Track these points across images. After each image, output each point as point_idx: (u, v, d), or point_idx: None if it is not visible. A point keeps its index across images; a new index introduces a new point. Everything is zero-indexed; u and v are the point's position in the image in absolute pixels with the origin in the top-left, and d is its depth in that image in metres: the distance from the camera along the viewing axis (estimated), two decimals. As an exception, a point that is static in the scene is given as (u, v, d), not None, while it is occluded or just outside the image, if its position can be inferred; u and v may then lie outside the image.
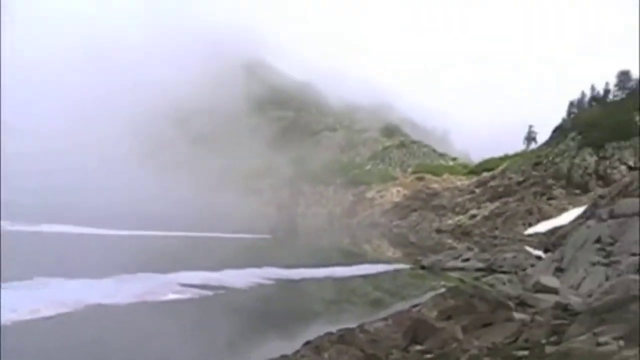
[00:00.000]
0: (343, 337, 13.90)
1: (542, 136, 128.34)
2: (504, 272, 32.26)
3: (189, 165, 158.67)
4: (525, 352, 11.91)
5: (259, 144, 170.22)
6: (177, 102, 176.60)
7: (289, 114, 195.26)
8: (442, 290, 23.29)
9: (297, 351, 13.69)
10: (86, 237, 47.81)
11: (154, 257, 37.96)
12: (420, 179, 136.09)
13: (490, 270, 36.53)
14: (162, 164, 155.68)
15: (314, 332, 15.41)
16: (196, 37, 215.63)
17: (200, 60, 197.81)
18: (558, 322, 13.55)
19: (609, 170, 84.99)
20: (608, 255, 23.10)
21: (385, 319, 15.35)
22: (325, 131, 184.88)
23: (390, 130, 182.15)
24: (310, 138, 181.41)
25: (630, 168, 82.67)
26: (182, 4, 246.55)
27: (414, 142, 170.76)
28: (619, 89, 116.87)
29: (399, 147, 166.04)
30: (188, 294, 22.98)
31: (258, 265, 31.86)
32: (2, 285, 19.63)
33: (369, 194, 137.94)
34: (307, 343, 14.03)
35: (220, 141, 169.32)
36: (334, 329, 14.44)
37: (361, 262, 39.85)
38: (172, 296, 22.23)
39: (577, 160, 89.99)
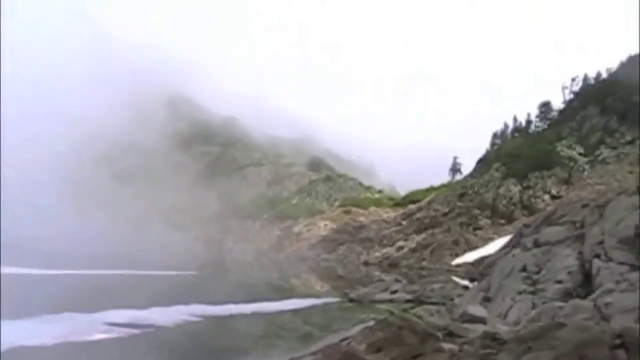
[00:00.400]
0: (273, 373, 13.76)
1: (467, 167, 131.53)
2: (432, 303, 32.62)
3: (112, 202, 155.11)
4: (454, 381, 12.05)
5: (184, 180, 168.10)
6: (99, 139, 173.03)
7: (214, 149, 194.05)
8: (371, 322, 23.37)
9: (227, 389, 13.48)
10: (5, 276, 46.05)
11: (78, 296, 36.84)
12: (347, 212, 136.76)
13: (418, 301, 36.84)
14: (84, 201, 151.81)
15: (244, 369, 15.23)
16: (118, 71, 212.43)
17: (123, 96, 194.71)
18: (486, 351, 13.75)
19: (532, 200, 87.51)
20: (534, 283, 23.56)
21: (314, 353, 15.27)
22: (252, 166, 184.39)
23: (316, 164, 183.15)
24: (237, 173, 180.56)
25: (553, 197, 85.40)
26: (104, 39, 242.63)
27: (340, 175, 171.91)
28: (541, 119, 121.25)
29: (325, 181, 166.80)
30: (115, 333, 22.39)
31: (186, 302, 31.31)
32: None
33: (296, 228, 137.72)
34: (237, 380, 13.84)
35: (145, 177, 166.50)
36: (263, 365, 14.30)
37: (290, 297, 39.64)
38: (98, 336, 21.60)
39: (501, 191, 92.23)
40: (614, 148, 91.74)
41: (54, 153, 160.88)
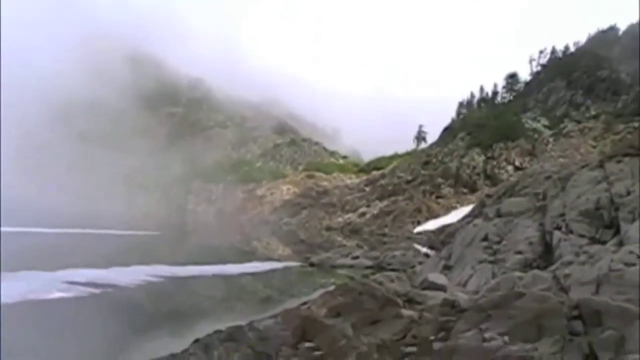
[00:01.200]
0: (232, 335, 13.65)
1: (432, 136, 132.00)
2: (392, 270, 32.74)
3: (75, 162, 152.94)
4: (413, 348, 12.06)
5: (147, 141, 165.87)
6: (61, 99, 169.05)
7: (179, 110, 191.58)
8: (332, 287, 23.42)
9: (186, 350, 13.37)
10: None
11: (38, 254, 36.38)
12: (311, 176, 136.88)
13: (379, 267, 37.08)
14: (47, 161, 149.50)
15: (203, 330, 15.11)
16: (82, 30, 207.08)
17: (86, 55, 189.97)
18: (445, 318, 13.80)
19: (496, 170, 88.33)
20: (494, 253, 23.73)
21: (274, 316, 15.21)
22: (216, 128, 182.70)
23: (281, 128, 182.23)
24: (201, 135, 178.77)
25: (516, 168, 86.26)
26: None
27: (304, 139, 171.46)
28: (507, 91, 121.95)
29: (289, 145, 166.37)
30: (74, 292, 22.13)
31: (147, 263, 31.16)
32: None
33: (259, 192, 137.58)
34: (196, 341, 13.71)
35: (108, 138, 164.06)
36: (223, 326, 14.18)
37: (251, 260, 39.65)
38: (57, 294, 21.32)
39: (465, 160, 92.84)
40: (579, 122, 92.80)
41: (7, 115, 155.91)
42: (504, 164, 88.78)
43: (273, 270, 35.54)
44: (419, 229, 76.79)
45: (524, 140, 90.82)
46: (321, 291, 23.08)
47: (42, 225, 55.51)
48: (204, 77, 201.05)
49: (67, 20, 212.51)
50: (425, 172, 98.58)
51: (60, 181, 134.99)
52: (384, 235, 76.73)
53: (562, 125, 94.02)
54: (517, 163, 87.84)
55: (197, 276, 29.76)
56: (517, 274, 18.26)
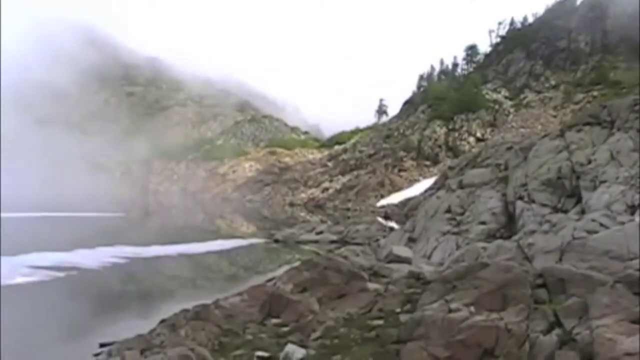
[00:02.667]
0: (199, 314, 13.60)
1: (393, 109, 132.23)
2: (357, 244, 32.91)
3: (35, 146, 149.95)
4: (380, 322, 12.11)
5: (107, 122, 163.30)
6: (19, 84, 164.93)
7: (138, 90, 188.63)
8: (297, 263, 23.47)
9: (153, 330, 13.28)
10: None
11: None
12: (273, 153, 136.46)
13: (343, 242, 37.24)
14: (7, 145, 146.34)
15: (170, 309, 15.02)
16: (36, 14, 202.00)
17: (41, 39, 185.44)
18: (411, 291, 13.88)
19: (458, 142, 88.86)
20: (458, 224, 23.95)
21: (240, 294, 15.12)
22: (176, 107, 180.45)
23: (241, 105, 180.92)
24: (161, 114, 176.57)
25: (478, 139, 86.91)
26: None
27: (265, 116, 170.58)
28: (467, 63, 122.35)
29: (250, 122, 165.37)
30: (38, 276, 21.80)
31: (110, 244, 30.86)
32: None
33: (222, 170, 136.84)
34: (163, 321, 13.62)
35: (68, 121, 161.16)
36: (189, 305, 14.11)
37: (215, 238, 39.49)
38: (20, 279, 20.97)
39: (427, 133, 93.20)
40: (539, 92, 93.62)
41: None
42: (466, 135, 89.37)
43: (238, 248, 35.50)
44: (382, 202, 77.08)
45: (484, 112, 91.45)
46: (286, 267, 23.08)
47: (4, 210, 54.49)
48: (162, 56, 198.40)
49: (20, 4, 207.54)
50: (387, 145, 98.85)
51: (21, 166, 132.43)
52: (348, 209, 77.01)
53: (522, 96, 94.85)
54: (478, 134, 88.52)
55: (162, 256, 29.56)
56: (481, 244, 18.42)
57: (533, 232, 17.96)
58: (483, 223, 22.39)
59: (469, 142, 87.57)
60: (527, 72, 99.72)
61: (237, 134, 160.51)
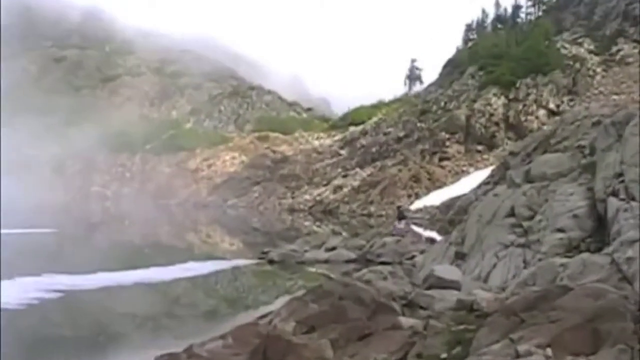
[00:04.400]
0: (165, 368, 13.60)
1: (430, 74, 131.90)
2: (384, 263, 32.87)
3: None
4: (419, 371, 12.08)
5: (27, 98, 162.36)
6: None
7: (70, 54, 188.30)
8: (300, 292, 23.39)
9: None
10: None
11: None
12: (264, 139, 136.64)
13: (365, 261, 37.24)
14: None
15: (122, 363, 15.04)
16: None
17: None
18: (461, 327, 13.81)
19: (522, 117, 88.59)
20: (525, 232, 23.72)
21: (223, 336, 15.11)
22: (126, 76, 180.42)
23: (218, 73, 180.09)
24: (105, 86, 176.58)
25: (551, 112, 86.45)
26: None
27: (252, 88, 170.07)
28: (534, 4, 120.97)
29: (232, 96, 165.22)
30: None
31: (37, 273, 30.82)
32: None
33: (192, 164, 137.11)
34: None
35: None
36: (150, 356, 14.07)
37: (186, 260, 39.37)
38: None
39: (478, 105, 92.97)
40: (638, 42, 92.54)
41: None
42: (534, 107, 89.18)
43: (218, 273, 35.50)
44: (418, 204, 77.13)
45: (560, 73, 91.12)
46: (286, 298, 23.09)
47: None
48: (104, 7, 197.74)
49: None
50: (423, 124, 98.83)
51: None
52: (370, 215, 77.21)
53: (614, 49, 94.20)
54: (551, 105, 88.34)
55: (110, 287, 29.50)
56: (560, 260, 18.30)
57: (633, 242, 17.79)
58: (561, 230, 22.18)
59: (538, 117, 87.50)
60: (622, 13, 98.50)
61: (213, 114, 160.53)
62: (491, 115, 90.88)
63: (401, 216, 50.27)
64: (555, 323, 11.04)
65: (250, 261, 40.40)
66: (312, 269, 36.51)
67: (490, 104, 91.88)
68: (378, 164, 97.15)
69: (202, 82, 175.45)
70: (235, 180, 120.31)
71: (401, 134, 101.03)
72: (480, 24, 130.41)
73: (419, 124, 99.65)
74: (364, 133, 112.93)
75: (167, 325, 24.23)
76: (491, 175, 55.53)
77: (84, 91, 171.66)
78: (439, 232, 46.89)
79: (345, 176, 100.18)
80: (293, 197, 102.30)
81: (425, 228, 53.09)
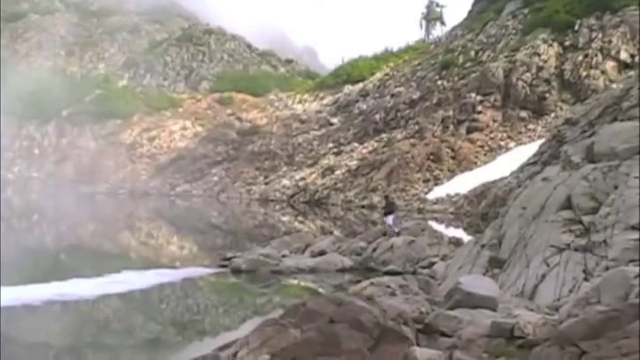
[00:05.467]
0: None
1: (455, 14, 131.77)
2: (392, 273, 32.89)
3: None
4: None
5: None
6: None
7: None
8: (277, 313, 23.33)
9: None
10: None
11: None
12: (226, 102, 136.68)
13: (366, 270, 37.28)
14: None
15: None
16: None
17: None
18: (499, 360, 13.85)
19: (583, 72, 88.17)
20: (587, 231, 23.71)
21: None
22: (34, 14, 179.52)
23: (163, 11, 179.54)
24: (4, 28, 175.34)
25: (624, 66, 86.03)
26: None
27: (209, 31, 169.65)
28: None
29: (181, 43, 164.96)
30: None
31: None
32: None
33: (128, 137, 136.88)
34: None
35: None
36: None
37: (119, 269, 39.32)
38: None
39: (522, 56, 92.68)
40: None
41: None
42: (599, 58, 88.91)
43: (163, 287, 35.44)
44: (438, 192, 77.22)
45: (636, 11, 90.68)
46: (257, 321, 23.07)
47: None
48: None
49: None
50: (446, 83, 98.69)
51: None
52: (372, 207, 77.27)
53: None
54: (623, 56, 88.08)
55: (11, 307, 29.43)
56: (634, 269, 18.24)
57: None
58: (636, 229, 22.22)
59: (605, 72, 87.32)
60: None
61: (156, 67, 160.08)
62: (540, 69, 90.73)
63: (389, 209, 49.98)
64: (629, 357, 11.03)
65: (209, 270, 40.42)
66: (293, 281, 36.52)
67: (538, 54, 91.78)
68: (384, 137, 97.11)
69: (141, 24, 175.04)
70: (188, 160, 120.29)
71: (416, 96, 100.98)
72: None
73: (439, 82, 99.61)
74: (364, 95, 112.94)
75: (93, 359, 24.25)
76: (539, 153, 55.45)
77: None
78: (468, 230, 46.95)
79: (338, 154, 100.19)
80: (267, 183, 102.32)
81: (449, 225, 53.24)
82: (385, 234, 43.33)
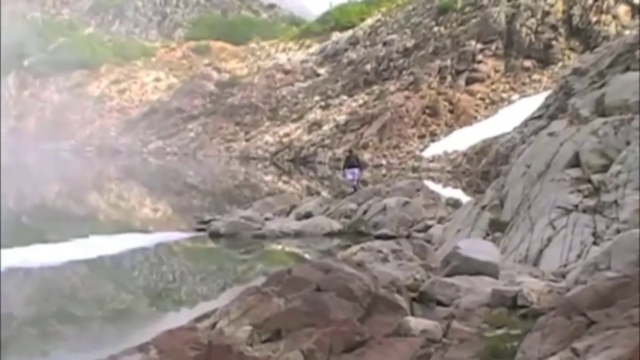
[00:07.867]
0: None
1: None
2: (384, 237, 32.92)
3: None
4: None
5: None
6: None
7: None
8: (260, 280, 23.30)
9: None
10: None
11: None
12: (203, 51, 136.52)
13: (356, 233, 37.32)
14: None
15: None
16: None
17: None
18: (500, 332, 13.86)
19: (593, 17, 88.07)
20: (596, 191, 23.72)
21: (143, 347, 15.09)
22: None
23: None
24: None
25: (638, 10, 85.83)
26: None
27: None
28: None
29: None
30: None
31: None
32: None
33: (95, 88, 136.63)
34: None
35: None
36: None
37: (86, 235, 39.30)
38: None
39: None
40: None
41: None
42: (610, 1, 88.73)
43: (134, 252, 35.42)
44: (434, 149, 77.27)
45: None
46: (238, 289, 23.08)
47: None
48: None
49: None
50: (443, 29, 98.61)
51: None
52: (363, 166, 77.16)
53: None
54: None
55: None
56: (643, 232, 18.22)
57: None
58: (646, 188, 22.24)
59: (616, 17, 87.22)
60: None
61: (125, 12, 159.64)
62: (546, 14, 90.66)
63: (351, 163, 49.91)
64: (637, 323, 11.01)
65: (184, 234, 40.48)
66: (277, 246, 36.56)
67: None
68: (375, 88, 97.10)
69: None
70: (161, 114, 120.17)
71: (410, 44, 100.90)
72: None
73: (436, 29, 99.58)
74: (354, 42, 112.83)
75: (59, 331, 24.20)
76: (545, 106, 55.35)
77: None
78: (466, 190, 47.01)
79: (325, 107, 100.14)
80: (248, 140, 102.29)
81: (446, 185, 53.28)
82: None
